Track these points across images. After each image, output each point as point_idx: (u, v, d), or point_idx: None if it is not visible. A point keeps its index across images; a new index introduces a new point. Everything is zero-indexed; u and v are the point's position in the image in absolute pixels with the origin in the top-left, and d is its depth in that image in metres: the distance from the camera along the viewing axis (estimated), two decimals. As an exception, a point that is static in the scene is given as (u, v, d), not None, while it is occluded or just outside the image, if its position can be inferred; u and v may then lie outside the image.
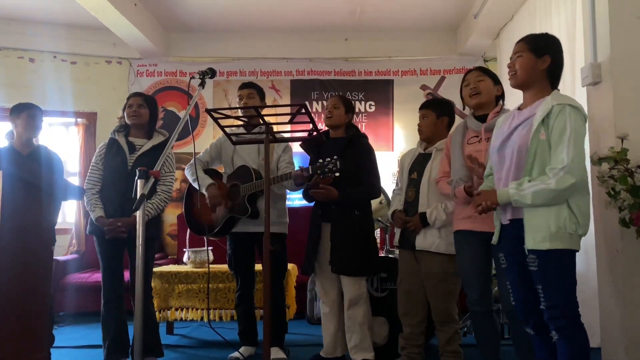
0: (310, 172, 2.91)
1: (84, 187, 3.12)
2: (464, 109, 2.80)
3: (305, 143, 3.29)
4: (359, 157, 3.10)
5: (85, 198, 3.10)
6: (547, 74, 2.11)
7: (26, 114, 3.16)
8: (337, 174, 2.83)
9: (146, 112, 3.17)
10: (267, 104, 3.52)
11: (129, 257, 3.01)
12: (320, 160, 2.88)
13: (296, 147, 3.68)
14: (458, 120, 5.74)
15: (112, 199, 3.03)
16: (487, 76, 2.63)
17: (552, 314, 1.97)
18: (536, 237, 1.97)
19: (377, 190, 3.14)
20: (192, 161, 3.36)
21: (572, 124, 1.95)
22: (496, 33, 5.15)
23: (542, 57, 2.09)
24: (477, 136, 2.58)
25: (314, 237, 3.14)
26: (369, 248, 3.09)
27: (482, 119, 2.59)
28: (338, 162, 2.80)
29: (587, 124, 2.05)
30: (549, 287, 1.97)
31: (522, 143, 2.03)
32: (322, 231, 3.12)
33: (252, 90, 3.35)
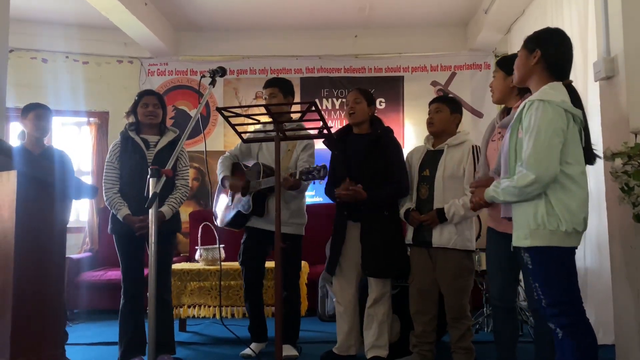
0: (297, 177, 2.92)
1: (103, 188, 3.11)
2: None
3: (328, 140, 3.27)
4: (387, 154, 3.05)
5: (105, 198, 3.10)
6: (543, 68, 2.06)
7: (33, 114, 3.19)
8: (321, 182, 2.85)
9: (161, 112, 3.20)
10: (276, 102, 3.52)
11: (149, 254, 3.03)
12: (307, 166, 2.90)
13: (320, 144, 3.67)
14: (466, 115, 5.74)
15: (133, 196, 3.03)
16: (501, 71, 2.55)
17: (551, 311, 1.95)
18: (519, 235, 1.99)
19: (406, 189, 3.03)
20: (226, 153, 3.49)
21: (537, 119, 1.91)
22: (507, 28, 5.11)
23: (532, 52, 2.07)
24: (500, 132, 2.56)
25: (339, 237, 3.10)
26: (398, 249, 3.06)
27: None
28: (322, 170, 2.81)
29: (568, 116, 1.94)
30: (543, 284, 1.96)
31: (507, 142, 2.06)
32: (348, 231, 3.09)
33: (274, 89, 3.32)
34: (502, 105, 2.67)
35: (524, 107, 1.98)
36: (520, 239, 1.98)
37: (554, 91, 1.99)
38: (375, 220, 3.01)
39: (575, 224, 1.93)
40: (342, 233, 3.10)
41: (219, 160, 3.48)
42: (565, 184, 1.93)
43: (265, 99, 3.35)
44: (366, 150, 3.05)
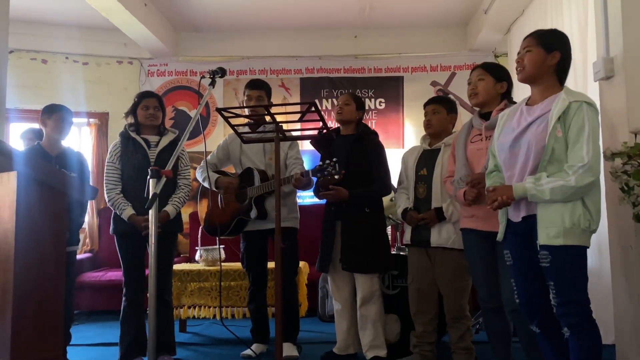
0: (311, 176, 2.92)
1: (105, 188, 3.11)
2: (472, 107, 2.79)
3: (316, 141, 3.30)
4: (369, 154, 3.11)
5: (108, 199, 3.10)
6: (555, 70, 2.10)
7: (57, 115, 3.18)
8: (337, 177, 2.82)
9: (161, 114, 3.20)
10: (276, 103, 3.52)
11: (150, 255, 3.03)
12: (320, 163, 2.89)
13: (305, 144, 3.69)
14: (466, 115, 5.74)
15: (136, 196, 3.03)
16: (488, 74, 2.57)
17: (565, 310, 1.97)
18: (550, 233, 1.97)
19: (388, 187, 3.15)
20: (202, 163, 3.40)
21: (591, 122, 1.95)
22: (507, 28, 5.11)
23: (551, 52, 2.09)
24: (480, 134, 2.58)
25: (328, 235, 3.14)
26: (379, 245, 3.09)
27: (487, 116, 2.58)
28: (337, 165, 2.79)
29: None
30: (562, 283, 1.96)
31: (538, 140, 2.02)
32: (335, 229, 3.12)
33: (262, 93, 3.34)
34: (477, 108, 2.69)
35: (568, 107, 1.98)
36: (550, 237, 1.97)
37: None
38: (355, 217, 3.05)
39: (598, 223, 2.00)
40: (331, 232, 3.13)
41: (199, 171, 3.42)
42: (596, 185, 1.99)
43: (250, 100, 3.32)
44: (348, 150, 3.09)
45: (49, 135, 3.20)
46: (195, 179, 3.62)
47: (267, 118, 2.94)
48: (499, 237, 2.21)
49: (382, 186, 3.11)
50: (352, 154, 3.08)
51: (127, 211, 3.04)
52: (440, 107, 2.99)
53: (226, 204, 3.35)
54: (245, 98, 3.38)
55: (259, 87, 3.36)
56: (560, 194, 1.94)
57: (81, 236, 5.36)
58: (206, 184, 3.38)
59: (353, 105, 3.20)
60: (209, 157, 3.50)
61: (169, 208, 3.07)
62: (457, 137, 2.70)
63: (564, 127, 1.98)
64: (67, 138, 3.31)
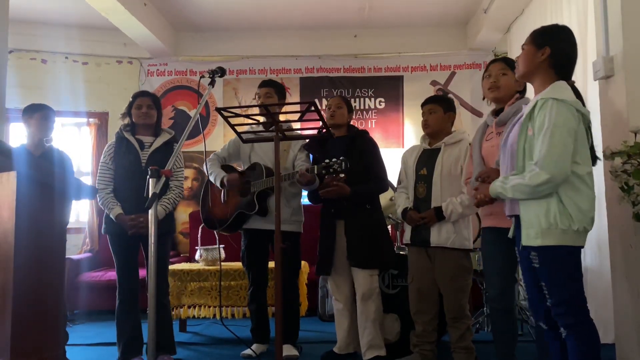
0: (316, 172, 2.92)
1: (97, 188, 3.13)
2: (483, 99, 2.75)
3: (310, 143, 3.31)
4: (364, 153, 3.13)
5: (99, 198, 3.11)
6: (549, 65, 2.05)
7: (39, 114, 3.19)
8: (342, 175, 2.83)
9: (154, 112, 3.20)
10: (276, 102, 3.52)
11: (144, 255, 3.03)
12: (327, 161, 2.88)
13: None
14: (466, 114, 5.74)
15: (127, 197, 3.05)
16: (511, 71, 2.55)
17: (558, 310, 1.95)
18: (529, 234, 1.96)
19: (385, 184, 3.19)
20: (211, 156, 3.43)
21: (552, 118, 1.90)
22: (507, 27, 5.12)
23: (541, 48, 2.06)
24: (493, 131, 2.57)
25: (328, 237, 3.13)
26: (383, 241, 3.11)
27: (500, 113, 2.56)
28: (343, 163, 2.81)
29: (578, 116, 1.94)
30: (551, 283, 1.96)
31: (514, 140, 2.04)
32: (337, 229, 3.12)
33: (270, 90, 3.34)
34: (492, 105, 2.68)
35: (535, 104, 1.96)
36: (530, 238, 1.96)
37: (565, 90, 1.99)
38: (358, 215, 3.07)
39: (585, 222, 1.94)
40: (331, 232, 3.13)
41: (209, 164, 3.42)
42: (575, 184, 1.93)
43: (259, 97, 3.34)
44: (344, 151, 3.09)
45: (33, 135, 3.20)
46: (195, 179, 3.62)
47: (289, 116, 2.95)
48: (510, 234, 2.20)
49: (379, 183, 3.15)
50: (349, 155, 3.08)
51: (115, 210, 3.04)
52: (437, 106, 2.98)
53: (228, 197, 3.35)
54: (256, 97, 3.39)
55: (267, 85, 3.37)
56: (519, 192, 1.95)
57: (81, 236, 5.40)
58: (212, 178, 3.38)
59: (345, 108, 3.23)
60: (219, 149, 3.52)
61: (157, 209, 3.05)
62: (474, 138, 2.69)
63: (533, 125, 1.96)
64: (58, 138, 3.30)
